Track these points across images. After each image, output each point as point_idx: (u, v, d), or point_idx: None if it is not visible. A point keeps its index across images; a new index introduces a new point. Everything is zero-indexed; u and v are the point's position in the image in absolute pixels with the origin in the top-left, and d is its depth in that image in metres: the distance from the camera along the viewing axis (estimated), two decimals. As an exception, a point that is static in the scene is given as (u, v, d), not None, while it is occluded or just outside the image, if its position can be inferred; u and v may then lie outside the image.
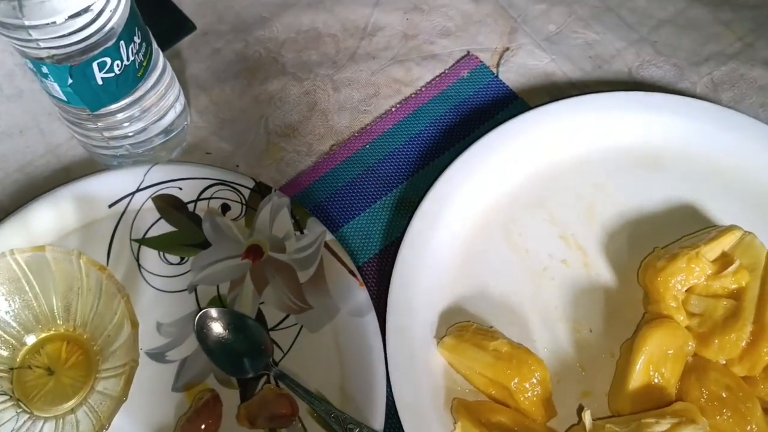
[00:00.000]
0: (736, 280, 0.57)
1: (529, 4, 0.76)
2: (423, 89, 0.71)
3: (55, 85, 0.53)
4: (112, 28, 0.50)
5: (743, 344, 0.56)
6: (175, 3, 0.74)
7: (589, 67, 0.72)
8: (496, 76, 0.71)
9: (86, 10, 0.48)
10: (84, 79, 0.52)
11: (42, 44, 0.49)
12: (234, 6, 0.75)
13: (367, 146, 0.68)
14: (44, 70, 0.51)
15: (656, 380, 0.55)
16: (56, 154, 0.67)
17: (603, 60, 0.73)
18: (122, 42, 0.52)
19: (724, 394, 0.54)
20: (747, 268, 0.58)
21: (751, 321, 0.56)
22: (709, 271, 0.58)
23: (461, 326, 0.58)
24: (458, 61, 0.72)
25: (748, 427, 0.53)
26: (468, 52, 0.73)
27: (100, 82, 0.53)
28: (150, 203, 0.63)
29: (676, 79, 0.72)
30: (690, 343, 0.56)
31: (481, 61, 0.72)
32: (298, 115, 0.69)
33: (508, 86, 0.71)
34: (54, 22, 0.47)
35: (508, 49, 0.73)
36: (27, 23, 0.47)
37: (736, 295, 0.57)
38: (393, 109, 0.70)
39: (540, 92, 0.71)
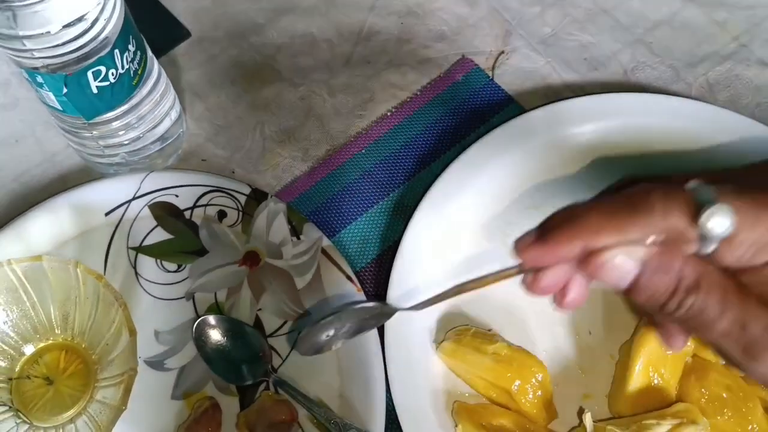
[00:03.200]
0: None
1: (523, 6, 0.76)
2: (418, 93, 0.71)
3: (50, 94, 0.53)
4: (106, 37, 0.50)
5: (742, 344, 0.56)
6: (170, 10, 0.74)
7: (584, 69, 0.72)
8: (491, 79, 0.71)
9: (80, 19, 0.47)
10: (79, 88, 0.52)
11: (36, 54, 0.48)
12: (229, 12, 0.75)
13: (363, 151, 0.68)
14: (39, 79, 0.51)
15: (656, 381, 0.55)
16: (53, 163, 0.67)
17: (598, 62, 0.73)
18: (117, 50, 0.52)
19: (724, 395, 0.54)
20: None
21: (750, 321, 0.56)
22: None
23: (460, 330, 0.58)
24: (453, 65, 0.72)
25: (750, 427, 0.53)
26: (463, 55, 0.73)
27: (95, 90, 0.53)
28: (147, 211, 0.63)
29: (671, 80, 0.72)
30: (689, 343, 0.56)
31: (476, 65, 0.72)
32: (293, 120, 0.69)
33: (503, 89, 0.71)
34: (48, 32, 0.47)
35: (503, 52, 0.73)
36: (21, 33, 0.47)
37: (735, 295, 0.57)
38: (388, 114, 0.70)
39: (535, 95, 0.71)
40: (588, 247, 0.40)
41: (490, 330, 0.59)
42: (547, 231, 0.42)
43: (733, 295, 0.38)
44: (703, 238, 0.38)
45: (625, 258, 0.39)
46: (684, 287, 0.38)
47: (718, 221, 0.37)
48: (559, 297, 0.43)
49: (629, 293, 0.40)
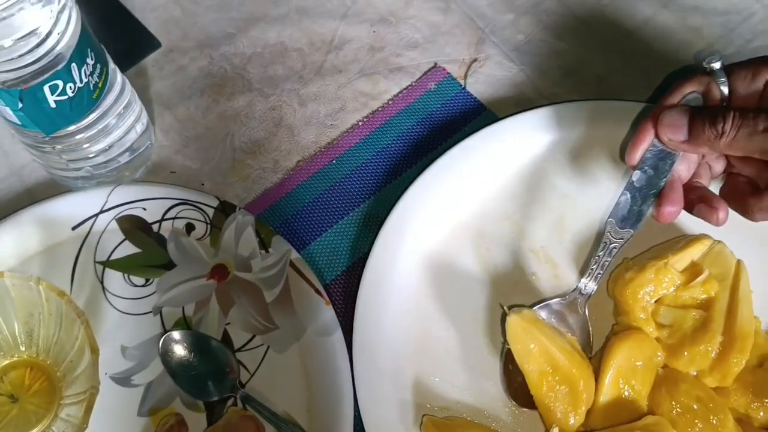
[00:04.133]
0: (706, 290, 0.57)
1: (497, 14, 0.75)
2: (390, 102, 0.70)
3: (7, 109, 0.52)
4: (60, 52, 0.50)
5: (713, 355, 0.55)
6: (140, 20, 0.74)
7: (557, 76, 0.72)
8: (464, 88, 0.71)
9: (32, 33, 0.47)
10: (36, 102, 0.51)
11: (-11, 69, 0.48)
12: (199, 22, 0.74)
13: (334, 161, 0.67)
14: (-6, 94, 0.51)
15: (626, 393, 0.55)
16: (20, 176, 0.66)
17: (572, 69, 0.72)
18: (74, 64, 0.51)
19: (695, 406, 0.54)
20: (716, 277, 0.57)
21: (721, 331, 0.55)
22: (678, 282, 0.58)
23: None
24: (425, 73, 0.71)
25: (720, 439, 0.53)
26: (435, 63, 0.72)
27: (53, 105, 0.52)
28: (114, 224, 0.62)
29: (645, 87, 0.71)
30: (659, 354, 0.56)
31: (448, 73, 0.71)
32: (264, 131, 0.69)
33: (475, 98, 0.70)
34: (1, 47, 0.46)
35: (476, 60, 0.73)
36: (-28, 49, 0.46)
37: (706, 306, 0.57)
38: (360, 123, 0.69)
39: (508, 103, 0.70)
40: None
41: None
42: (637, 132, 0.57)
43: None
44: (711, 72, 0.56)
45: (674, 112, 0.54)
46: (725, 109, 0.52)
47: (714, 58, 0.56)
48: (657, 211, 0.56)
49: (693, 140, 0.53)
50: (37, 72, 0.49)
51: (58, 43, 0.49)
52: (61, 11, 0.48)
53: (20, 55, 0.48)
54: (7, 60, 0.47)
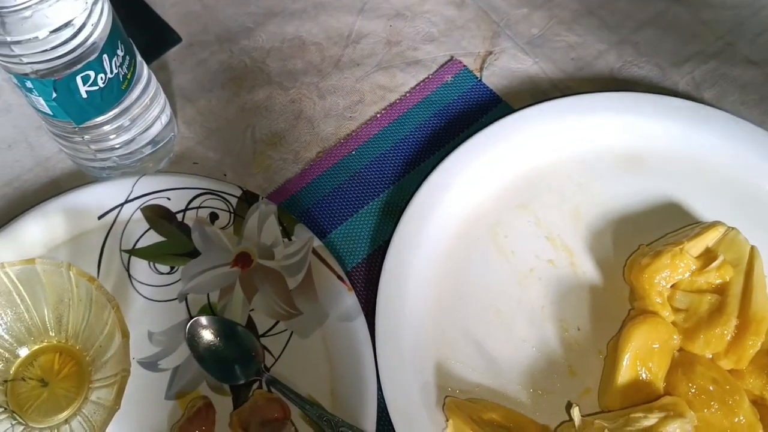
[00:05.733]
0: (720, 275, 0.58)
1: (511, 8, 0.76)
2: (407, 95, 0.71)
3: (40, 99, 0.53)
4: (94, 42, 0.51)
5: (728, 338, 0.56)
6: (160, 15, 0.75)
7: (571, 69, 0.73)
8: (480, 80, 0.72)
9: (67, 24, 0.48)
10: (68, 92, 0.53)
11: (25, 59, 0.49)
12: (219, 17, 0.76)
13: (353, 152, 0.68)
14: (28, 84, 0.52)
15: (643, 375, 0.56)
16: (45, 167, 0.68)
17: (585, 62, 0.74)
18: (105, 55, 0.53)
19: (711, 388, 0.55)
20: (731, 263, 0.58)
21: (736, 315, 0.56)
22: (694, 267, 0.59)
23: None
24: (442, 66, 0.73)
25: (736, 419, 0.54)
26: (451, 56, 0.73)
27: (84, 95, 0.54)
28: (139, 214, 0.63)
29: (658, 79, 0.73)
30: (675, 337, 0.57)
31: (464, 66, 0.73)
32: (284, 123, 0.70)
33: (491, 90, 0.72)
34: (36, 38, 0.48)
35: (491, 53, 0.74)
36: (9, 39, 0.47)
37: (721, 290, 0.58)
38: (378, 115, 0.70)
39: (523, 95, 0.71)
40: None
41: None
42: None
43: None
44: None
45: None
46: None
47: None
48: None
49: None
50: (70, 63, 0.51)
51: (91, 34, 0.50)
52: (95, 3, 0.50)
53: (54, 47, 0.49)
54: (42, 51, 0.49)
